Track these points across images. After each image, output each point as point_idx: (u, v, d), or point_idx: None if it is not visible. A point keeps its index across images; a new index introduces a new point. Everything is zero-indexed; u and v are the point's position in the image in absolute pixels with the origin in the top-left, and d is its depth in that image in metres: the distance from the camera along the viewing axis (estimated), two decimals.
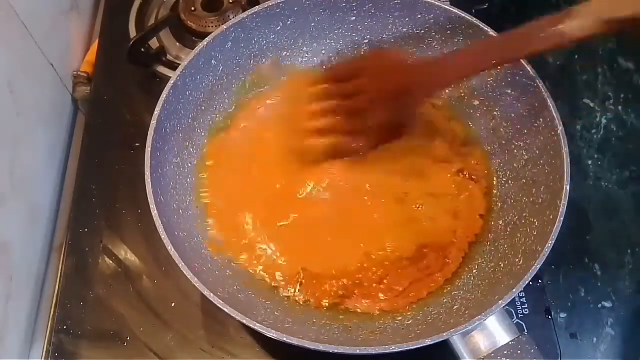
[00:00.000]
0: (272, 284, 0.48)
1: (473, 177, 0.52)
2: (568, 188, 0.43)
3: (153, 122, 0.46)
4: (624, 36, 0.63)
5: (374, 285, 0.48)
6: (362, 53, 0.57)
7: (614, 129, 0.64)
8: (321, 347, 0.38)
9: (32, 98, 0.56)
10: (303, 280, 0.48)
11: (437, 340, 0.38)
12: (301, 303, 0.47)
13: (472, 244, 0.49)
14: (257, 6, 0.52)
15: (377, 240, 0.49)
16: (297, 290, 0.47)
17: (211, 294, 0.39)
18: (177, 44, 0.65)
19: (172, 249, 0.40)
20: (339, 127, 0.49)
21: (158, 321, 0.50)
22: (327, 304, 0.47)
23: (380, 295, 0.47)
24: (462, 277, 0.48)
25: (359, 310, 0.47)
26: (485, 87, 0.53)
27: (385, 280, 0.48)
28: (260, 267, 0.48)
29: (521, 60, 0.48)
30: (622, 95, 0.65)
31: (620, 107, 0.65)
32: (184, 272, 0.40)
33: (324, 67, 0.57)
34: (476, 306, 0.43)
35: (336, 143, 0.50)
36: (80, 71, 0.65)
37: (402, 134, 0.50)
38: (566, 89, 0.66)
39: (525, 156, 0.50)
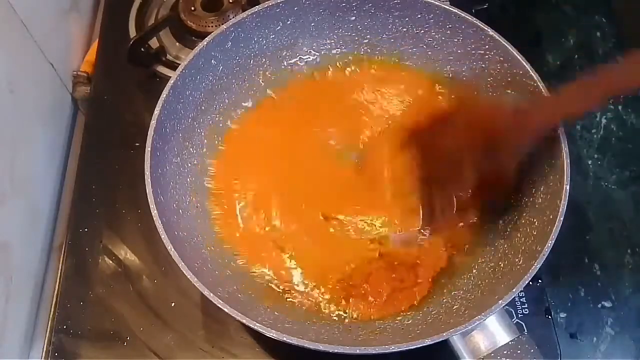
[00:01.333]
0: (275, 289, 0.48)
1: None
2: (568, 188, 0.43)
3: (153, 122, 0.46)
4: (624, 35, 0.63)
5: (364, 286, 0.47)
6: (440, 109, 0.51)
7: (614, 129, 0.64)
8: (321, 347, 0.38)
9: (32, 98, 0.56)
10: (305, 284, 0.48)
11: (437, 340, 0.38)
12: (301, 307, 0.47)
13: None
14: (257, 6, 0.52)
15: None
16: (298, 294, 0.47)
17: (211, 294, 0.39)
18: (177, 44, 0.65)
19: (172, 249, 0.40)
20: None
21: (158, 321, 0.50)
22: (326, 309, 0.47)
23: (370, 298, 0.47)
24: (462, 277, 0.48)
25: (355, 315, 0.47)
26: (485, 87, 0.53)
27: (367, 283, 0.47)
28: (262, 271, 0.49)
29: (521, 60, 0.48)
30: (622, 95, 0.65)
31: (620, 107, 0.65)
32: (184, 272, 0.40)
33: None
34: (476, 306, 0.43)
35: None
36: (80, 71, 0.65)
37: (500, 188, 0.46)
38: None
39: (525, 156, 0.50)
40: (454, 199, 0.47)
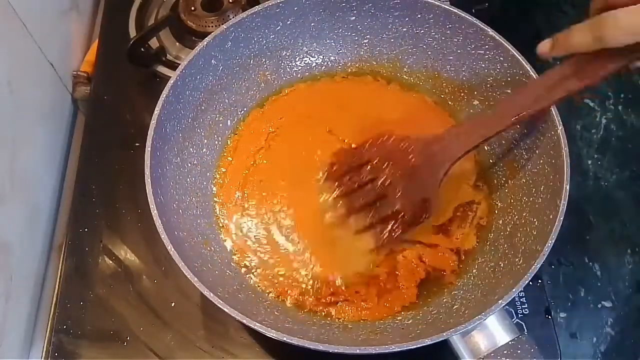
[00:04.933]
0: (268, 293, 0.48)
1: None
2: (568, 188, 0.43)
3: (153, 122, 0.46)
4: None
5: (355, 293, 0.48)
6: (368, 141, 0.51)
7: (614, 129, 0.64)
8: (321, 347, 0.38)
9: (32, 98, 0.56)
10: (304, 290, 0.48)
11: (437, 340, 0.38)
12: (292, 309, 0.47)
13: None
14: (257, 6, 0.52)
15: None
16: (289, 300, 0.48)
17: (211, 294, 0.39)
18: (177, 44, 0.65)
19: (172, 249, 0.40)
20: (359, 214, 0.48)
21: (158, 321, 0.50)
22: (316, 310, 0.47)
23: (363, 304, 0.47)
24: (462, 277, 0.48)
25: (344, 319, 0.47)
26: (485, 87, 0.53)
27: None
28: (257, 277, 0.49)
29: (521, 60, 0.49)
30: (622, 95, 0.65)
31: (620, 107, 0.65)
32: (184, 272, 0.40)
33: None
34: (476, 306, 0.43)
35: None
36: (80, 71, 0.65)
37: (428, 213, 0.47)
38: None
39: (525, 156, 0.50)
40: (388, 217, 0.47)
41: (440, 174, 0.46)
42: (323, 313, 0.47)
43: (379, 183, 0.47)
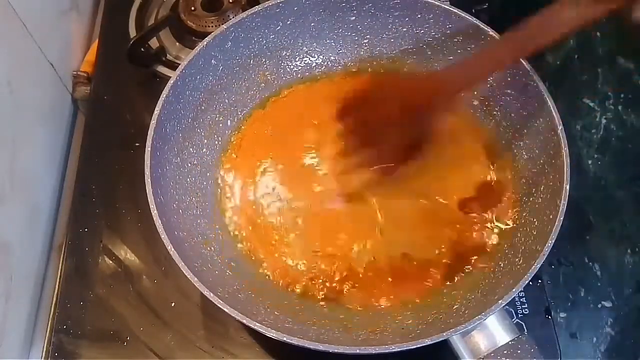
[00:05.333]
0: (279, 282, 0.48)
1: None
2: (568, 188, 0.43)
3: (153, 122, 0.46)
4: (624, 35, 0.63)
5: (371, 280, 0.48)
6: (366, 80, 0.54)
7: (614, 129, 0.64)
8: (321, 347, 0.38)
9: (32, 98, 0.56)
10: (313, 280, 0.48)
11: (437, 340, 0.38)
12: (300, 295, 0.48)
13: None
14: (257, 6, 0.52)
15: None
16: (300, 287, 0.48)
17: (211, 294, 0.39)
18: (177, 44, 0.65)
19: (172, 249, 0.40)
20: (358, 156, 0.49)
21: (158, 321, 0.50)
22: (323, 297, 0.47)
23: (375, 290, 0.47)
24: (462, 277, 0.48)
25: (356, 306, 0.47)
26: (485, 87, 0.53)
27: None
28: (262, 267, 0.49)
29: (521, 60, 0.48)
30: (622, 95, 0.65)
31: (620, 107, 0.65)
32: (184, 272, 0.40)
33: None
34: (476, 306, 0.43)
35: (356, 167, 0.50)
36: (80, 71, 0.65)
37: (421, 150, 0.48)
38: (566, 89, 0.66)
39: (525, 156, 0.50)
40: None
41: (435, 113, 0.46)
42: (332, 299, 0.47)
43: (375, 124, 0.48)
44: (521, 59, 0.48)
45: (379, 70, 0.56)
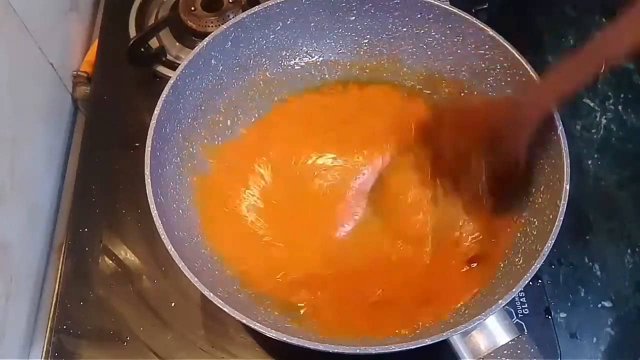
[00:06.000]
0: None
1: None
2: (568, 188, 0.43)
3: (153, 122, 0.46)
4: None
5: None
6: (433, 115, 0.52)
7: (614, 129, 0.64)
8: (321, 347, 0.38)
9: (31, 98, 0.56)
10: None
11: (437, 340, 0.38)
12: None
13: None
14: (257, 6, 0.52)
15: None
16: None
17: (211, 294, 0.39)
18: (177, 44, 0.65)
19: (172, 249, 0.40)
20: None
21: (158, 321, 0.50)
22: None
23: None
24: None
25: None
26: (485, 87, 0.53)
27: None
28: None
29: (521, 60, 0.48)
30: (622, 95, 0.65)
31: (620, 107, 0.65)
32: (184, 272, 0.40)
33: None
34: (476, 306, 0.43)
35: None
36: (80, 71, 0.65)
37: (513, 177, 0.46)
38: None
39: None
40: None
41: (522, 135, 0.44)
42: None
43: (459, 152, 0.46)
44: (521, 60, 0.48)
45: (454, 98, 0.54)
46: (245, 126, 0.55)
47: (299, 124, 0.56)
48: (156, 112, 0.46)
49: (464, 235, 0.49)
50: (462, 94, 0.54)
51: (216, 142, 0.54)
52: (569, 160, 0.44)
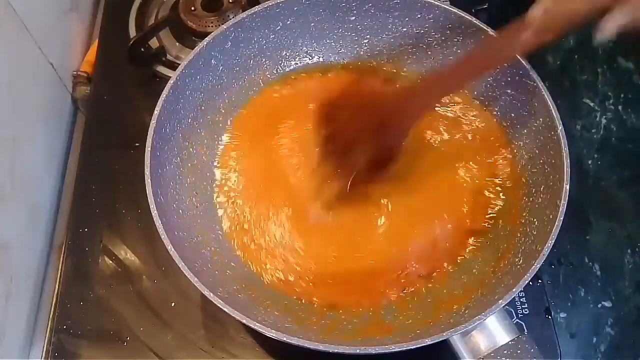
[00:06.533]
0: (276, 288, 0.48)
1: None
2: (568, 188, 0.43)
3: (153, 122, 0.46)
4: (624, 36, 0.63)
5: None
6: (345, 86, 0.54)
7: (614, 129, 0.64)
8: (321, 347, 0.38)
9: (31, 98, 0.56)
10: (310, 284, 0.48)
11: (437, 340, 0.38)
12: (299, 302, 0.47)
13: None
14: (257, 6, 0.52)
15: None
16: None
17: (211, 294, 0.39)
18: (177, 44, 0.65)
19: (172, 249, 0.40)
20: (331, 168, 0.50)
21: (158, 321, 0.50)
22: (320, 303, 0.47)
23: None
24: (463, 276, 0.48)
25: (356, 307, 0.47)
26: (484, 87, 0.53)
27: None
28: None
29: (521, 60, 0.48)
30: (622, 95, 0.65)
31: (620, 107, 0.65)
32: (184, 272, 0.40)
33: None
34: (476, 306, 0.43)
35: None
36: (80, 71, 0.65)
37: (389, 167, 0.49)
38: (566, 89, 0.66)
39: (525, 156, 0.50)
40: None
41: (404, 128, 0.47)
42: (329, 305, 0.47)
43: (347, 134, 0.48)
44: (521, 60, 0.49)
45: (362, 73, 0.57)
46: (246, 125, 0.55)
47: (298, 116, 0.55)
48: (156, 112, 0.46)
49: None
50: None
51: (216, 142, 0.54)
52: (569, 160, 0.44)
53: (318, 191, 0.51)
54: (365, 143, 0.47)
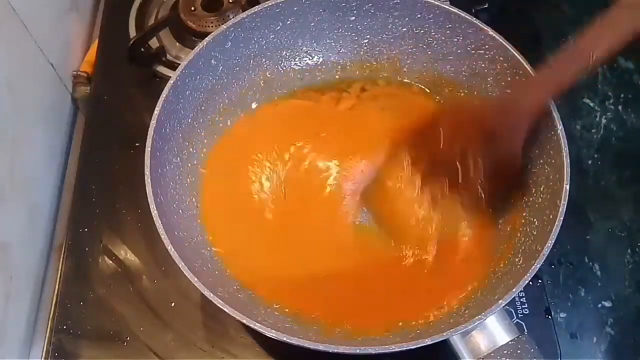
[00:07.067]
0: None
1: None
2: (568, 188, 0.43)
3: (153, 122, 0.46)
4: None
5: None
6: (429, 116, 0.52)
7: (614, 129, 0.64)
8: (321, 347, 0.38)
9: (32, 98, 0.56)
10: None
11: (437, 340, 0.38)
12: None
13: None
14: (257, 6, 0.52)
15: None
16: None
17: (211, 294, 0.39)
18: (177, 44, 0.65)
19: (172, 249, 0.40)
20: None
21: (158, 321, 0.50)
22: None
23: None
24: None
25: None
26: (484, 87, 0.53)
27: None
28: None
29: (521, 60, 0.48)
30: (622, 95, 0.65)
31: (620, 107, 0.65)
32: (184, 272, 0.40)
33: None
34: (476, 306, 0.43)
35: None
36: (80, 71, 0.65)
37: (511, 175, 0.46)
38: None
39: (526, 156, 0.50)
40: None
41: (519, 132, 0.44)
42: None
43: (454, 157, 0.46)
44: (521, 60, 0.48)
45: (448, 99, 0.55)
46: (246, 125, 0.55)
47: (299, 124, 0.55)
48: (156, 112, 0.46)
49: (465, 238, 0.49)
50: (462, 94, 0.54)
51: (216, 142, 0.54)
52: (569, 160, 0.44)
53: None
54: (476, 156, 0.45)
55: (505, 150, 0.45)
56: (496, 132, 0.44)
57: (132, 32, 0.65)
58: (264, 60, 0.56)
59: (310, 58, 0.58)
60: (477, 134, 0.45)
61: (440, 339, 0.38)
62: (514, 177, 0.47)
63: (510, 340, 0.41)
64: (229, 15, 0.62)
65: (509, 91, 0.51)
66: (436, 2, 0.52)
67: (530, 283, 0.41)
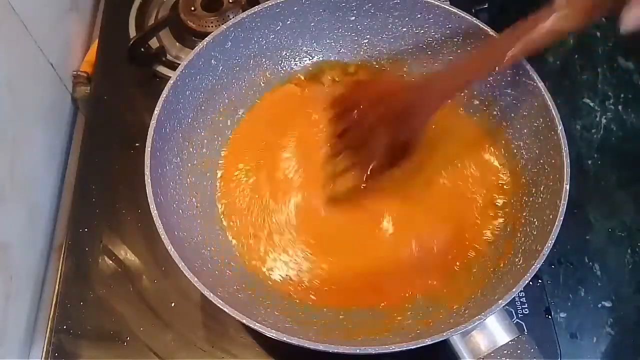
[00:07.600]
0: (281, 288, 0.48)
1: None
2: (568, 188, 0.43)
3: (153, 122, 0.46)
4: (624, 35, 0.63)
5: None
6: (356, 81, 0.56)
7: (614, 129, 0.64)
8: (321, 347, 0.38)
9: (31, 98, 0.56)
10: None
11: (437, 340, 0.38)
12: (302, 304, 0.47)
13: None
14: (257, 6, 0.52)
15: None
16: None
17: (211, 294, 0.39)
18: (177, 44, 0.65)
19: (172, 249, 0.40)
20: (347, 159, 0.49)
21: (158, 321, 0.50)
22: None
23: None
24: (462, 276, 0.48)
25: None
26: (485, 87, 0.53)
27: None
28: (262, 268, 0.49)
29: (521, 60, 0.48)
30: (622, 95, 0.65)
31: (620, 107, 0.65)
32: (184, 272, 0.40)
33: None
34: (476, 306, 0.43)
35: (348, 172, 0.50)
36: (80, 71, 0.65)
37: (409, 155, 0.48)
38: (566, 89, 0.66)
39: (525, 156, 0.50)
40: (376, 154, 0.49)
41: (425, 116, 0.47)
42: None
43: (364, 126, 0.48)
44: (521, 60, 0.48)
45: (371, 72, 0.57)
46: (246, 125, 0.55)
47: (300, 124, 0.55)
48: (156, 112, 0.46)
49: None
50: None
51: (216, 142, 0.54)
52: (569, 160, 0.44)
53: (329, 186, 0.51)
54: (383, 135, 0.47)
55: (412, 125, 0.47)
56: (408, 107, 0.47)
57: (132, 32, 0.65)
58: (264, 60, 0.56)
59: (310, 58, 0.58)
60: (391, 105, 0.47)
61: (440, 339, 0.38)
62: (407, 158, 0.49)
63: (510, 340, 0.41)
64: (229, 15, 0.63)
65: (508, 90, 0.51)
66: (436, 2, 0.52)
67: (530, 283, 0.41)
